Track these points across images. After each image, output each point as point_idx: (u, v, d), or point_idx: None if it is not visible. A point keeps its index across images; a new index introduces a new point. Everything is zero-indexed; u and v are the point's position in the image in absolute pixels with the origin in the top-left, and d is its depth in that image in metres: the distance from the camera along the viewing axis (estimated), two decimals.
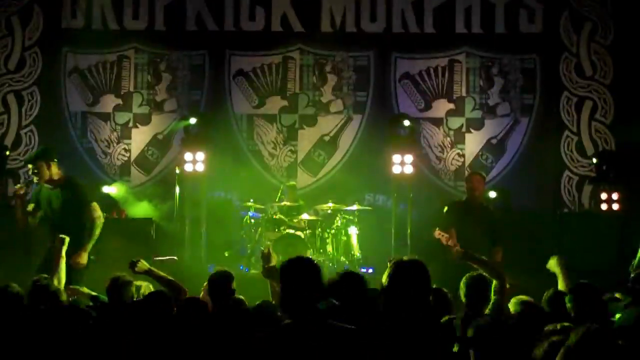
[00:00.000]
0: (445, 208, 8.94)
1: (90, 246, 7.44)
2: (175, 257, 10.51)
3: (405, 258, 4.08)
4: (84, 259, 7.32)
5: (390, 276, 3.94)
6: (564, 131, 11.90)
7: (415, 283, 3.93)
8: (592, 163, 11.41)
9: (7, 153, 11.48)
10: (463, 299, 5.27)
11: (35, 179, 7.73)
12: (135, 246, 9.37)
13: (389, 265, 3.99)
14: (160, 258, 9.51)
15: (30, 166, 7.74)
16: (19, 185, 7.94)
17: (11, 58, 12.44)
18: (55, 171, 7.72)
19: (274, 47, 12.43)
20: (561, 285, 6.09)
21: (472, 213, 8.73)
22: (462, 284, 5.31)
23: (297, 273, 3.82)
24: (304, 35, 12.37)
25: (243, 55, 12.51)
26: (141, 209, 11.11)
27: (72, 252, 7.10)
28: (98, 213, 7.57)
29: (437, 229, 8.31)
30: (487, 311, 5.14)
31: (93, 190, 10.88)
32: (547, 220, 10.96)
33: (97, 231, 7.50)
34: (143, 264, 6.05)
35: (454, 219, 8.59)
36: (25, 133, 12.35)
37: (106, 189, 10.86)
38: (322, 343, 3.65)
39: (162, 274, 6.03)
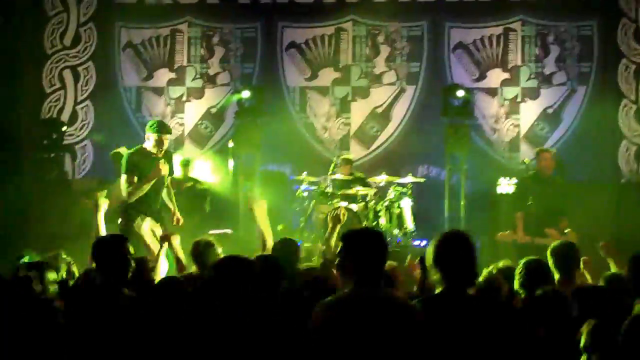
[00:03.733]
0: (518, 185, 9.04)
1: None
2: (230, 230, 10.59)
3: (449, 230, 4.08)
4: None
5: (435, 249, 3.94)
6: (622, 100, 11.63)
7: (460, 255, 3.92)
8: None
9: (64, 129, 11.65)
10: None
11: (155, 150, 7.98)
12: (191, 219, 9.42)
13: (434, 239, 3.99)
14: (214, 232, 9.57)
15: (156, 137, 7.98)
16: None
17: (67, 34, 12.57)
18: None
19: (326, 19, 12.38)
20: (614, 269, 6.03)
21: (543, 187, 8.84)
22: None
23: (369, 243, 3.85)
24: (356, 6, 12.28)
25: (295, 27, 12.48)
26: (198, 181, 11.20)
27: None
28: None
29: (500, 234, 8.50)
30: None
31: None
32: (605, 191, 10.76)
33: None
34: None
35: (526, 195, 8.75)
36: (82, 108, 12.51)
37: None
38: (385, 312, 3.69)
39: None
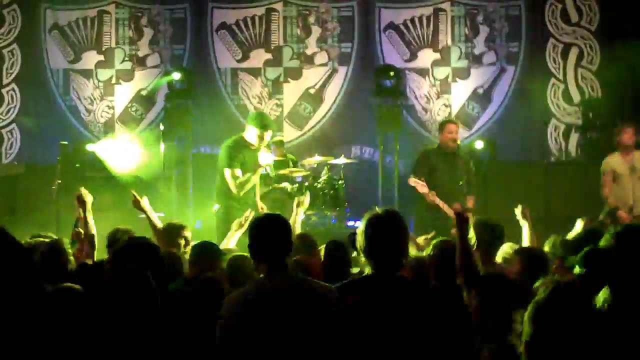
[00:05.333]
0: (418, 156, 9.11)
1: None
2: (162, 214, 10.46)
3: (378, 210, 4.05)
4: None
5: (365, 229, 3.92)
6: (550, 79, 11.83)
7: (390, 234, 3.90)
8: (579, 111, 11.39)
9: None
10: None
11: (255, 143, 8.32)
12: (123, 204, 9.29)
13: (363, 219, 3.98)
14: (144, 215, 9.43)
15: (258, 132, 8.31)
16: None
17: None
18: None
19: None
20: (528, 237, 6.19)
21: (446, 161, 8.95)
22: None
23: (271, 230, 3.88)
24: None
25: (225, 8, 12.34)
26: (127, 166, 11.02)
27: None
28: None
29: (412, 176, 8.46)
30: None
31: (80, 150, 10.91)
32: (534, 169, 10.94)
33: None
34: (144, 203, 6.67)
35: (428, 167, 8.81)
36: (7, 92, 12.21)
37: (90, 147, 10.74)
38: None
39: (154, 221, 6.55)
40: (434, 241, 5.20)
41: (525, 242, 6.23)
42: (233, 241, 6.70)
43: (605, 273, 3.96)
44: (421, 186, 8.44)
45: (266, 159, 8.40)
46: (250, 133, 8.40)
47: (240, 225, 6.68)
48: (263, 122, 8.38)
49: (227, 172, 8.36)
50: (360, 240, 3.93)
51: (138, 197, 6.82)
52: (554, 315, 3.23)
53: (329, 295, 3.74)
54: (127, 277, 3.64)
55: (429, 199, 8.43)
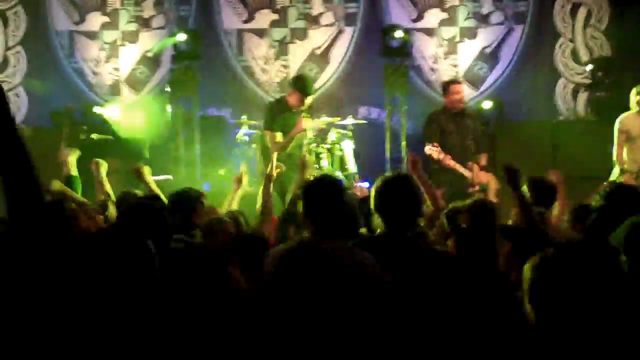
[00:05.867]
0: (426, 120, 9.09)
1: None
2: (170, 176, 10.48)
3: (389, 174, 4.07)
4: None
5: (375, 193, 3.95)
6: (559, 38, 11.74)
7: (402, 193, 3.92)
8: (588, 70, 11.31)
9: None
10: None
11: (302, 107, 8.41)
12: (130, 167, 9.29)
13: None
14: (155, 178, 9.44)
15: (299, 96, 8.41)
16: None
17: None
18: None
19: None
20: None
21: (455, 121, 8.94)
22: None
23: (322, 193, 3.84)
24: None
25: None
26: (135, 129, 11.01)
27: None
28: None
29: (426, 143, 8.44)
30: None
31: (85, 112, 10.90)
32: (543, 129, 10.90)
33: None
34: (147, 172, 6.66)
35: (437, 129, 8.81)
36: (13, 54, 12.15)
37: (98, 110, 10.72)
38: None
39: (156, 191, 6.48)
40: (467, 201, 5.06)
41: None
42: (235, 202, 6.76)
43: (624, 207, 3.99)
44: (437, 152, 8.42)
45: (305, 123, 8.51)
46: (292, 96, 8.54)
47: (239, 183, 6.77)
48: (304, 87, 8.50)
49: (267, 133, 8.57)
50: (373, 200, 3.97)
51: (139, 167, 6.77)
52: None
53: (369, 264, 3.71)
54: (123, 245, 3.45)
55: (445, 164, 8.42)
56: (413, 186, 4.02)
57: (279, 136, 8.50)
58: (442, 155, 8.39)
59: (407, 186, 4.00)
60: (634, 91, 8.66)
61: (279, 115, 8.57)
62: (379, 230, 4.08)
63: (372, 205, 4.03)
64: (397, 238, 3.89)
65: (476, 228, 4.53)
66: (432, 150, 8.43)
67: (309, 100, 8.58)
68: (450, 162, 8.42)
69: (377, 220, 4.09)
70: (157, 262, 3.06)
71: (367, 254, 3.74)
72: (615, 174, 8.65)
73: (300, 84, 8.57)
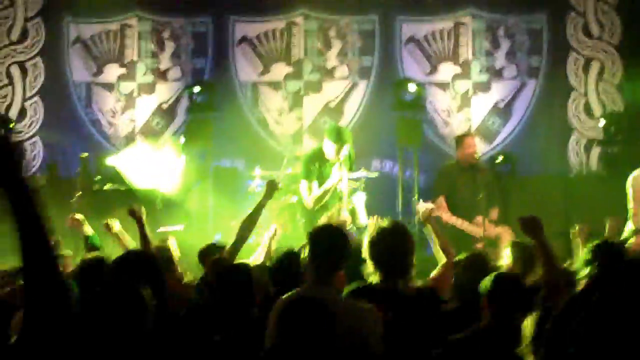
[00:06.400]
0: (438, 173, 9.08)
1: None
2: (181, 227, 10.49)
3: (384, 223, 4.06)
4: None
5: (371, 239, 3.94)
6: (572, 93, 11.79)
7: (395, 244, 3.92)
8: (600, 125, 11.31)
9: (12, 125, 11.47)
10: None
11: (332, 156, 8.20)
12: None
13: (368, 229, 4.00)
14: (165, 228, 9.48)
15: (334, 146, 8.14)
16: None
17: (14, 29, 12.37)
18: None
19: (277, 13, 12.32)
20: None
21: (467, 175, 8.91)
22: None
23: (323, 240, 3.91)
24: (307, 0, 12.23)
25: (247, 22, 12.39)
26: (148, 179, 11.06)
27: None
28: None
29: (420, 201, 8.38)
30: None
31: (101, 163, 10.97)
32: (555, 183, 10.88)
33: None
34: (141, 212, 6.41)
35: (447, 183, 8.78)
36: (30, 105, 12.32)
37: (110, 161, 10.78)
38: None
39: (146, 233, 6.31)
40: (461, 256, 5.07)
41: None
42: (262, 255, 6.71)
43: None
44: (431, 210, 8.40)
45: (336, 175, 8.26)
46: (327, 146, 8.26)
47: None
48: (338, 136, 8.21)
49: (303, 184, 8.42)
50: (366, 249, 3.98)
51: (136, 209, 6.58)
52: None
53: (369, 317, 3.71)
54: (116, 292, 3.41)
55: (445, 221, 8.39)
56: (405, 235, 4.02)
57: (314, 187, 8.34)
58: (439, 212, 8.35)
59: (399, 235, 4.00)
60: None
61: (315, 165, 8.37)
62: (371, 279, 4.08)
63: (365, 254, 4.03)
64: (390, 289, 3.88)
65: (470, 281, 4.52)
66: (425, 207, 8.43)
67: (345, 150, 8.25)
68: (450, 220, 8.41)
69: (368, 269, 4.08)
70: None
71: (367, 305, 3.76)
72: (628, 231, 8.55)
73: (334, 133, 8.28)
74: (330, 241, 3.94)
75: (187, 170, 11.27)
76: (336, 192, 8.50)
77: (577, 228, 6.41)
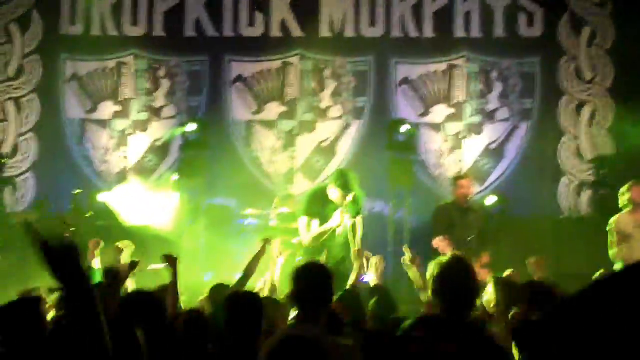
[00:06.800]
0: (436, 212, 9.10)
1: None
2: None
3: (443, 258, 4.07)
4: None
5: (435, 272, 3.93)
6: (563, 136, 11.85)
7: (460, 275, 3.91)
8: (591, 168, 11.34)
9: (4, 161, 11.51)
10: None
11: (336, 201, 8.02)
12: (135, 255, 9.31)
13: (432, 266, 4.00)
14: (155, 266, 9.45)
15: (339, 194, 7.99)
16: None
17: (11, 65, 12.46)
18: None
19: (273, 53, 12.40)
20: None
21: (460, 216, 8.94)
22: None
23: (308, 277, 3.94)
24: (303, 41, 12.32)
25: (242, 62, 12.47)
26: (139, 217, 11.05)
27: None
28: None
29: (437, 238, 8.44)
30: None
31: (89, 198, 10.98)
32: (546, 225, 10.88)
33: None
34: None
35: (446, 222, 8.80)
36: (24, 140, 12.35)
37: (101, 197, 10.78)
38: None
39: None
40: None
41: None
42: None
43: None
44: (444, 246, 8.47)
45: (337, 220, 8.05)
46: (332, 191, 8.07)
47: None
48: (345, 183, 8.02)
49: (303, 220, 8.21)
50: (431, 284, 3.97)
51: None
52: None
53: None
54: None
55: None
56: (469, 268, 4.02)
57: (314, 225, 8.14)
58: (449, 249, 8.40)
59: (464, 269, 4.01)
60: (622, 190, 8.67)
61: (318, 204, 8.18)
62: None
63: (430, 290, 4.02)
64: (457, 322, 3.86)
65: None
66: (438, 244, 8.49)
67: (349, 197, 7.98)
68: None
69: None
70: None
71: (350, 342, 3.75)
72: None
73: (342, 180, 8.06)
74: (314, 279, 3.93)
75: (181, 207, 11.28)
76: (334, 235, 8.27)
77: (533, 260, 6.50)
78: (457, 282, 3.89)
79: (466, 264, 4.00)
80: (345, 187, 8.01)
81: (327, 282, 3.99)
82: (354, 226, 7.96)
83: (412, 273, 6.20)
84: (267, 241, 6.87)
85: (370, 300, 5.71)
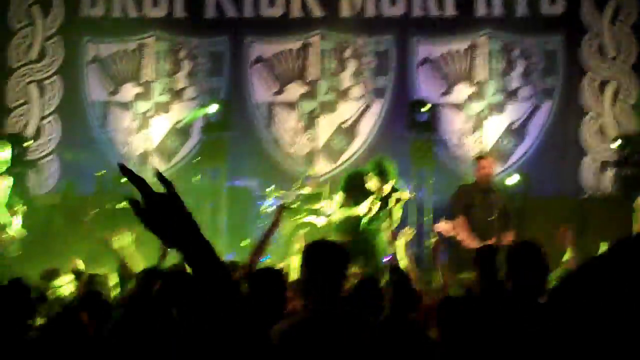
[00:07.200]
0: (454, 193, 9.08)
1: None
2: None
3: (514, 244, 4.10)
4: None
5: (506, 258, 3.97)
6: (586, 114, 11.74)
7: (530, 265, 3.94)
8: (615, 146, 11.24)
9: (27, 144, 11.58)
10: None
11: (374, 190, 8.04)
12: (154, 236, 9.35)
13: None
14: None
15: (377, 183, 8.05)
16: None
17: (33, 47, 12.51)
18: None
19: (293, 33, 12.37)
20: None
21: (481, 196, 8.91)
22: None
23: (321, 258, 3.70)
24: (323, 21, 12.27)
25: (263, 42, 12.44)
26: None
27: None
28: None
29: (443, 221, 8.41)
30: None
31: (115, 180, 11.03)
32: (568, 205, 10.81)
33: None
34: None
35: (464, 204, 8.78)
36: (47, 123, 12.43)
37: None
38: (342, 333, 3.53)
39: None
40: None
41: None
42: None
43: None
44: (447, 230, 8.44)
45: (364, 208, 8.09)
46: (370, 178, 8.08)
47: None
48: (382, 171, 8.05)
49: (338, 195, 8.35)
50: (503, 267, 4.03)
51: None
52: None
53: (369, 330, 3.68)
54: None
55: (461, 241, 8.46)
56: (540, 251, 4.04)
57: (348, 206, 8.22)
58: (455, 232, 8.38)
59: (536, 253, 4.02)
60: None
61: (353, 188, 8.23)
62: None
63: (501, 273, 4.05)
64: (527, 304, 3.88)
65: None
66: (445, 226, 8.45)
67: (387, 186, 8.05)
68: (466, 241, 8.43)
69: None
70: None
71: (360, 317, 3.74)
72: None
73: (380, 168, 8.07)
74: (330, 259, 3.80)
75: (201, 189, 11.31)
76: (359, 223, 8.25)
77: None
78: (528, 266, 3.96)
79: (538, 249, 4.06)
80: (383, 177, 8.02)
81: (344, 260, 3.87)
82: (390, 211, 8.11)
83: (405, 262, 6.16)
84: (282, 208, 6.65)
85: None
